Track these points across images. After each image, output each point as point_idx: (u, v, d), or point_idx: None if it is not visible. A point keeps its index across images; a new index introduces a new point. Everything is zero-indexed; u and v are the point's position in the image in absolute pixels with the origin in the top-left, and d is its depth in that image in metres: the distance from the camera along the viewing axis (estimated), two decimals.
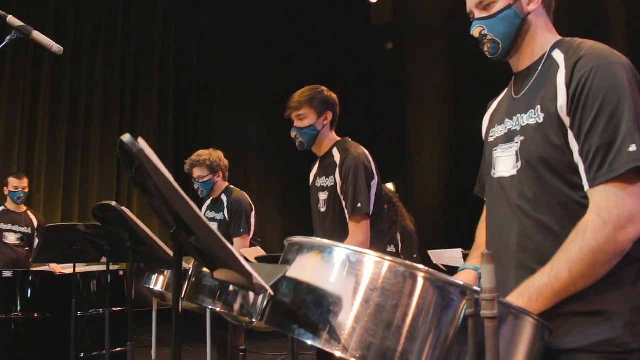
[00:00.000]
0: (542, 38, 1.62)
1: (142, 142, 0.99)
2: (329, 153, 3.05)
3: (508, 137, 1.61)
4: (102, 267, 4.34)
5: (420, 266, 1.16)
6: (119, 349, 4.30)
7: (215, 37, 8.87)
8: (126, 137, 1.01)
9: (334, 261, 1.23)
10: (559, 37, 1.64)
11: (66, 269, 4.35)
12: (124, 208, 2.18)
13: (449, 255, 3.91)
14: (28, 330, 4.10)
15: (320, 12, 8.57)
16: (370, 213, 2.87)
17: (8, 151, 6.68)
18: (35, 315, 4.14)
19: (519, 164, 1.54)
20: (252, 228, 4.35)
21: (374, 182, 2.95)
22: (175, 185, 1.03)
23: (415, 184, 8.00)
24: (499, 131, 1.67)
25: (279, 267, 1.25)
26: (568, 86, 1.45)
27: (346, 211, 2.90)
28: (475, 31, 1.64)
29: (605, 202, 1.35)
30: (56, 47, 2.49)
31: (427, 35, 7.71)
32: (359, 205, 2.83)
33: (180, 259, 1.34)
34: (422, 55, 7.92)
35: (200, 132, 8.82)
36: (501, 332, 1.12)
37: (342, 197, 2.92)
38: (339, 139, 3.11)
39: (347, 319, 1.16)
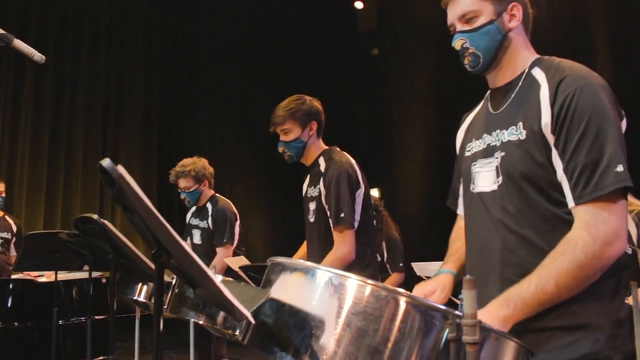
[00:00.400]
0: (522, 55, 1.65)
1: (121, 169, 0.98)
2: (316, 162, 3.01)
3: (487, 152, 1.63)
4: (85, 275, 4.30)
5: (402, 290, 1.16)
6: (101, 357, 4.26)
7: (199, 45, 8.84)
8: (106, 162, 1.00)
9: (317, 284, 1.23)
10: (537, 55, 1.67)
11: (40, 277, 4.30)
12: (105, 222, 2.16)
13: (433, 268, 3.92)
14: (8, 339, 4.04)
15: (307, 18, 8.57)
16: (355, 223, 2.84)
17: None
18: (16, 324, 4.08)
19: (500, 179, 1.56)
20: (236, 237, 4.33)
21: (360, 192, 2.91)
22: (154, 211, 1.02)
23: (399, 191, 8.03)
24: (476, 146, 1.69)
25: (261, 291, 1.25)
26: (552, 105, 1.48)
27: (330, 221, 2.88)
28: (457, 44, 1.66)
29: (593, 219, 1.39)
30: (38, 56, 2.45)
31: (413, 42, 7.75)
32: (342, 215, 2.80)
33: (162, 280, 1.32)
34: (407, 61, 7.96)
35: (185, 140, 8.76)
36: (483, 355, 1.13)
37: (326, 207, 2.90)
38: (326, 147, 3.08)
39: (329, 342, 1.15)
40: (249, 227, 8.67)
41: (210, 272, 1.07)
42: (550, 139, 1.47)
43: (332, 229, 2.84)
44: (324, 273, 1.23)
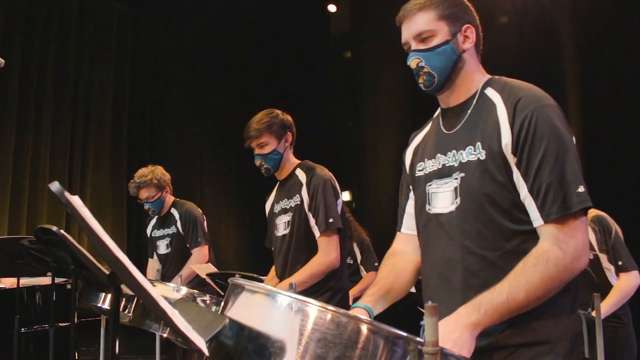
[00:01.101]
0: (474, 76, 1.69)
1: (68, 195, 0.94)
2: (292, 175, 3.08)
3: (443, 173, 1.65)
4: (48, 280, 4.20)
5: (363, 317, 1.15)
6: None
7: (169, 45, 8.73)
8: (54, 187, 0.96)
9: (277, 309, 1.21)
10: (488, 76, 1.71)
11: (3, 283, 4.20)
12: (64, 233, 2.10)
13: None
14: None
15: (279, 19, 8.53)
16: (342, 227, 2.89)
17: None
18: None
19: (458, 200, 1.58)
20: (207, 236, 4.32)
21: (340, 202, 2.99)
22: (103, 238, 0.98)
23: (371, 193, 8.04)
24: (429, 166, 1.71)
25: (219, 317, 1.22)
26: (512, 125, 1.52)
27: (315, 228, 2.89)
28: (412, 62, 1.68)
29: (562, 235, 1.45)
30: None
31: (386, 44, 7.75)
32: (331, 220, 2.86)
33: (118, 303, 1.29)
34: (380, 63, 7.96)
35: (156, 141, 8.65)
36: None
37: (310, 215, 2.91)
38: (298, 161, 3.13)
39: None
40: (219, 231, 8.62)
41: (162, 302, 1.04)
42: (511, 159, 1.51)
43: (320, 234, 2.88)
44: (284, 298, 1.21)
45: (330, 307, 1.15)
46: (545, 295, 1.43)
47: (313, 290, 2.83)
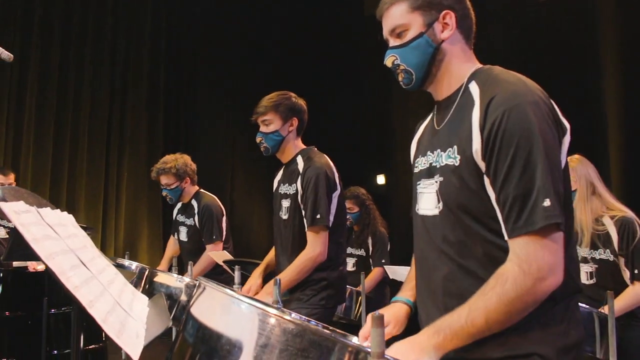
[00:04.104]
0: (458, 67, 1.57)
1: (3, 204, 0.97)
2: (293, 160, 3.08)
3: (429, 173, 1.57)
4: None
5: (312, 325, 1.14)
6: (92, 345, 4.31)
7: (200, 33, 8.78)
8: None
9: (229, 312, 1.22)
10: (478, 65, 1.59)
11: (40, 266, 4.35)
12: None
13: (402, 272, 3.92)
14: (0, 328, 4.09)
15: (311, 2, 8.47)
16: (330, 224, 2.88)
17: None
18: (7, 313, 4.13)
19: (440, 204, 1.51)
20: (224, 233, 4.34)
21: (336, 194, 2.98)
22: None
23: (401, 177, 7.96)
24: (422, 163, 1.64)
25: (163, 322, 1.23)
26: (482, 129, 1.40)
27: (305, 220, 2.89)
28: (388, 61, 1.61)
29: (525, 254, 1.33)
30: (5, 55, 2.46)
31: None
32: (318, 216, 2.86)
33: None
34: None
35: (190, 127, 8.79)
36: None
37: (302, 206, 2.91)
38: (304, 147, 3.11)
39: None
40: (251, 218, 8.69)
41: (95, 308, 1.05)
42: (482, 165, 1.41)
43: (307, 228, 2.88)
44: (237, 302, 1.21)
45: (273, 312, 1.14)
46: (508, 319, 1.34)
47: (307, 278, 2.88)
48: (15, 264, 4.94)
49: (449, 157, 1.48)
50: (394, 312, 1.73)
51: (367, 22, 9.07)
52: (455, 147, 1.46)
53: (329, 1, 8.53)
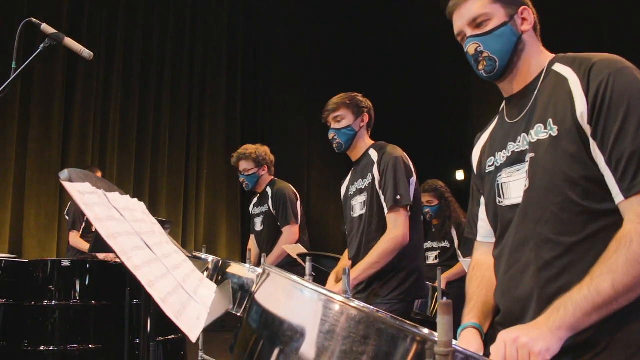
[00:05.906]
0: (537, 57, 1.58)
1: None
2: (365, 154, 3.07)
3: (514, 160, 1.53)
4: None
5: (381, 314, 1.08)
6: (171, 336, 4.42)
7: (274, 29, 8.90)
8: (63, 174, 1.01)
9: (297, 299, 1.19)
10: (553, 55, 1.59)
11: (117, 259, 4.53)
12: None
13: None
14: (85, 316, 4.27)
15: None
16: (411, 204, 2.82)
17: (83, 145, 7.03)
18: (93, 302, 4.29)
19: (527, 182, 1.46)
20: (300, 216, 4.33)
21: (413, 179, 2.94)
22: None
23: None
24: (500, 158, 1.59)
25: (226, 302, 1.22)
26: (587, 93, 1.37)
27: (384, 204, 2.83)
28: (470, 48, 1.58)
29: None
30: (86, 53, 2.56)
31: None
32: (399, 197, 2.82)
33: None
34: None
35: (267, 123, 8.94)
36: None
37: (380, 192, 2.86)
38: (374, 142, 3.11)
39: None
40: (327, 212, 8.71)
41: (155, 287, 1.05)
42: (588, 129, 1.36)
43: (387, 211, 2.85)
44: (301, 287, 1.18)
45: (338, 298, 1.10)
46: (637, 283, 1.24)
47: (386, 271, 2.81)
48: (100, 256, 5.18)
49: (541, 132, 1.45)
50: (468, 341, 1.56)
51: (442, 15, 8.89)
52: (550, 120, 1.44)
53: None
